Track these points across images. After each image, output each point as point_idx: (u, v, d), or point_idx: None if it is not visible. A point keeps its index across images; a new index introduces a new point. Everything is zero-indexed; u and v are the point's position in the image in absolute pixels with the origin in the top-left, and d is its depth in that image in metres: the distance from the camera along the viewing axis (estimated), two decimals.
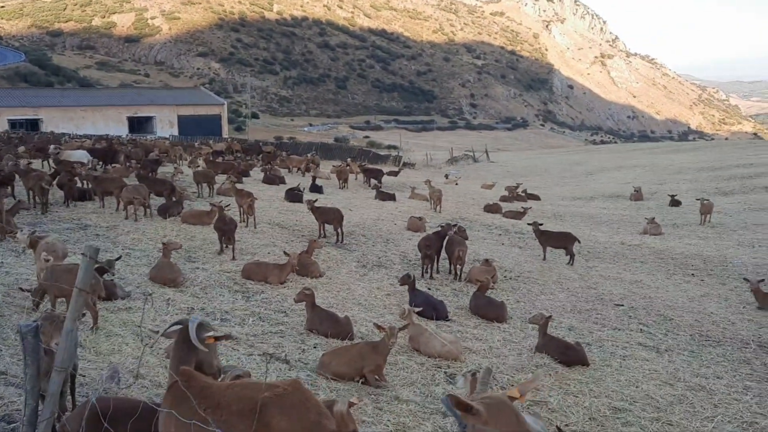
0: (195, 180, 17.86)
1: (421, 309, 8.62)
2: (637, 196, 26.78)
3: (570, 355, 7.85)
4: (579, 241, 14.34)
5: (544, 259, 14.24)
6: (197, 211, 14.04)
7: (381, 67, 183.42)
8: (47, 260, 7.95)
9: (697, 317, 10.49)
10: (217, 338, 4.08)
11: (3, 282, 8.51)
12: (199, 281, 9.89)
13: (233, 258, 11.33)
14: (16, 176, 14.82)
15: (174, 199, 14.69)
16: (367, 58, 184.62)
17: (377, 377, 6.75)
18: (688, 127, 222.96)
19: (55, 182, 14.47)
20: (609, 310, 10.60)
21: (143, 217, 13.71)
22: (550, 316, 8.35)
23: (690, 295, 12.03)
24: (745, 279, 11.91)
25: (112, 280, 8.96)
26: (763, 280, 11.50)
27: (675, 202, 24.24)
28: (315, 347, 7.71)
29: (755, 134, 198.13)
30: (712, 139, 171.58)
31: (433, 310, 9.22)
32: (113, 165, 20.30)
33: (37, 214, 13.15)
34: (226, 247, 11.60)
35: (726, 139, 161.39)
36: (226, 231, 11.45)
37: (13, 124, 51.96)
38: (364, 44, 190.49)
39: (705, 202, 20.46)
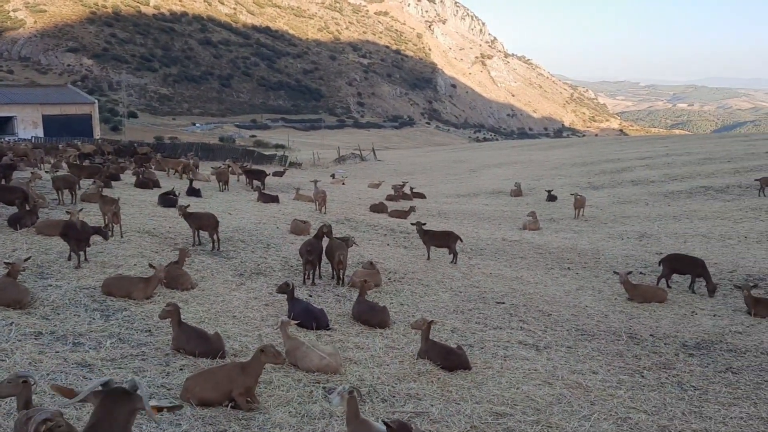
0: (54, 186, 16.26)
1: (298, 321, 8.16)
2: (517, 192, 27.72)
3: (452, 360, 7.69)
4: (461, 240, 14.43)
5: (428, 258, 14.20)
6: (54, 221, 12.72)
7: (266, 65, 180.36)
8: None
9: (574, 311, 10.76)
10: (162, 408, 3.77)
11: None
12: (51, 300, 8.83)
13: (77, 266, 10.41)
14: None
15: (27, 207, 13.25)
16: (252, 56, 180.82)
17: (248, 399, 6.22)
18: (562, 125, 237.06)
19: None
20: (491, 309, 10.63)
21: None
22: (432, 321, 8.15)
23: (566, 289, 12.38)
24: (615, 272, 12.40)
25: None
26: (631, 272, 12.02)
27: (551, 197, 25.28)
28: (181, 369, 7.02)
29: (621, 131, 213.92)
30: (584, 135, 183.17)
31: (314, 320, 8.76)
32: None
33: None
34: (83, 259, 10.63)
35: (596, 135, 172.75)
36: (73, 238, 10.46)
37: None
38: (248, 41, 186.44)
39: (578, 196, 21.43)
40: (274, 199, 20.93)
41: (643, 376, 7.88)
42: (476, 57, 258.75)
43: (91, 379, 6.48)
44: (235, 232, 14.56)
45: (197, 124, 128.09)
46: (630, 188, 27.81)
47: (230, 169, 26.22)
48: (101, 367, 6.80)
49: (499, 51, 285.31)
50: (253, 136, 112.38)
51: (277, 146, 77.53)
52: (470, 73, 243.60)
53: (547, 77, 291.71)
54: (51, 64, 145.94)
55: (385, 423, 5.22)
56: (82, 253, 10.68)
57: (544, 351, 8.66)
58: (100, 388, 3.65)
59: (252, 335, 8.34)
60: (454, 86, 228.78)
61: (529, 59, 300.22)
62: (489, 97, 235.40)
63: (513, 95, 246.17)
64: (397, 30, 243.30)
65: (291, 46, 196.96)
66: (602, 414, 6.59)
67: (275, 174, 31.29)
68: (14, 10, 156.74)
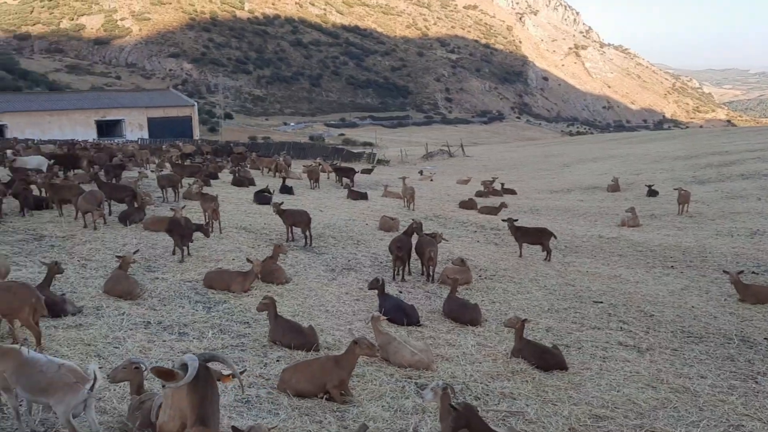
0: (159, 184, 17.19)
1: (389, 317, 8.19)
2: (614, 187, 26.61)
3: (547, 360, 7.47)
4: (555, 237, 14.00)
5: (521, 255, 13.88)
6: (160, 218, 13.43)
7: (355, 64, 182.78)
8: None
9: (678, 312, 10.19)
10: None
11: None
12: (158, 292, 9.33)
13: (181, 260, 10.96)
14: None
15: (136, 205, 14.06)
16: (341, 55, 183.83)
17: (343, 392, 6.30)
18: (663, 116, 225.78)
19: (10, 191, 13.79)
20: (588, 308, 10.24)
21: (102, 225, 13.07)
22: (526, 319, 7.96)
23: (670, 289, 11.74)
24: (724, 271, 11.65)
25: (62, 294, 8.39)
26: (742, 272, 11.25)
27: (652, 192, 24.09)
28: (278, 360, 7.23)
29: (729, 121, 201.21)
30: (687, 127, 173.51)
31: (404, 316, 8.77)
32: (75, 171, 19.57)
33: None
34: (186, 253, 11.19)
35: (701, 127, 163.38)
36: (178, 233, 11.02)
37: None
38: (338, 41, 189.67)
39: (682, 191, 20.30)
40: (363, 196, 21.15)
41: (757, 382, 7.35)
42: (569, 48, 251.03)
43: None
44: (326, 229, 14.82)
45: (291, 123, 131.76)
46: (739, 182, 26.04)
47: (320, 167, 26.75)
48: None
49: (594, 41, 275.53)
50: (342, 134, 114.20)
51: (365, 144, 78.47)
52: (563, 65, 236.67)
53: (647, 66, 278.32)
54: (154, 69, 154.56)
55: (452, 406, 5.18)
56: (185, 247, 11.23)
57: (647, 353, 8.24)
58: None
59: (344, 329, 8.45)
60: (545, 79, 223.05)
61: (626, 48, 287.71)
62: (583, 89, 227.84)
63: (609, 86, 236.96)
64: (486, 23, 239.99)
65: (379, 44, 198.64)
66: (712, 420, 6.19)
67: (364, 171, 31.63)
68: (122, 19, 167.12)
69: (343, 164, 32.89)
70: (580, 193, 27.31)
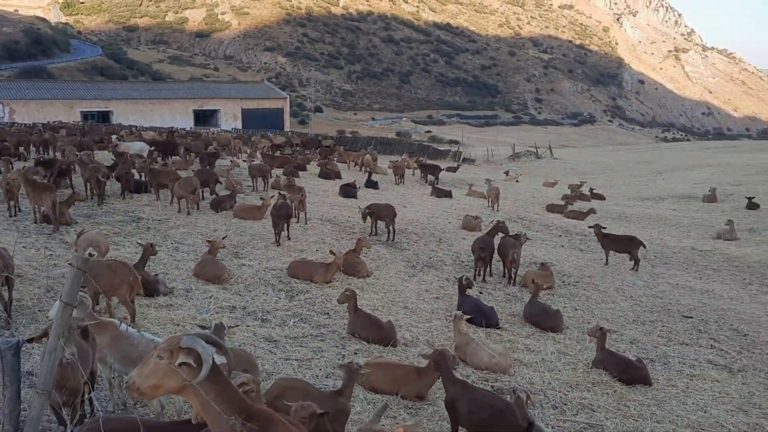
0: (250, 174, 17.81)
1: (470, 316, 8.14)
2: (711, 197, 25.24)
3: (631, 373, 7.22)
4: (645, 246, 13.46)
5: (607, 263, 13.45)
6: (249, 206, 13.93)
7: (445, 62, 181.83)
8: (91, 255, 7.84)
9: None
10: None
11: (49, 275, 8.51)
12: (244, 278, 9.69)
13: (278, 243, 11.55)
14: (76, 167, 15.07)
15: (211, 192, 14.81)
16: (431, 53, 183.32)
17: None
18: None
19: (113, 174, 14.67)
20: (676, 323, 9.81)
21: (195, 210, 13.68)
22: (609, 329, 7.71)
23: None
24: None
25: (156, 275, 8.86)
26: None
27: (752, 205, 22.67)
28: (356, 353, 7.35)
29: None
30: None
31: (483, 317, 8.70)
32: (173, 157, 20.55)
33: (93, 205, 13.30)
34: (280, 236, 11.75)
35: None
36: (279, 217, 11.46)
37: (86, 115, 53.92)
38: (429, 38, 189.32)
39: None
40: (447, 194, 21.10)
41: None
42: (669, 51, 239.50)
43: (276, 353, 7.00)
44: (409, 225, 14.89)
45: (372, 120, 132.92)
46: None
47: (406, 163, 26.86)
48: (285, 343, 7.31)
49: (697, 44, 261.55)
50: (429, 131, 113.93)
51: (452, 142, 77.94)
52: (661, 68, 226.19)
53: (753, 72, 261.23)
54: (250, 62, 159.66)
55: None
56: (279, 234, 11.64)
57: (739, 374, 7.82)
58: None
59: (422, 326, 8.48)
60: (642, 82, 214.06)
61: (731, 53, 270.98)
62: (681, 94, 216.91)
63: (710, 92, 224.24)
64: (581, 24, 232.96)
65: (470, 42, 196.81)
66: None
67: (449, 169, 31.50)
68: (222, 13, 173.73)
69: (429, 161, 32.88)
70: (673, 202, 26.09)
